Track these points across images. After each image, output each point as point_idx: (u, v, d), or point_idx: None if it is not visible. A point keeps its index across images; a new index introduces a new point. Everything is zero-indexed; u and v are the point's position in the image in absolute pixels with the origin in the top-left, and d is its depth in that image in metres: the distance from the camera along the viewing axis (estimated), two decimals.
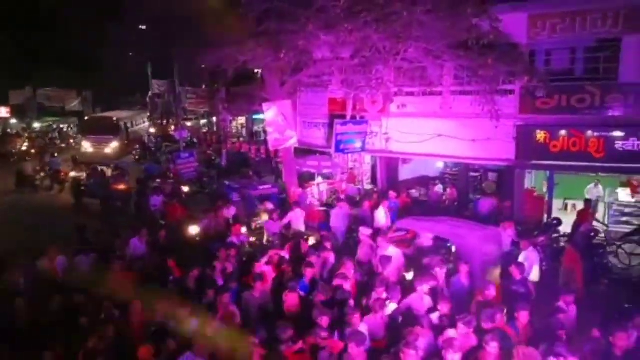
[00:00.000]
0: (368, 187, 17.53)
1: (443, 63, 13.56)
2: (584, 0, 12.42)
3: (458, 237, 9.07)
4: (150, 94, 39.09)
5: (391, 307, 7.14)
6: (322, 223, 12.77)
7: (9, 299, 7.28)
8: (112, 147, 27.78)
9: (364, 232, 9.96)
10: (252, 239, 9.88)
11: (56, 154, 23.21)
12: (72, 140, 34.02)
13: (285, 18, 12.16)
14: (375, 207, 12.65)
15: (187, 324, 6.25)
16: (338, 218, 12.17)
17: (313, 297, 7.25)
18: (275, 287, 7.84)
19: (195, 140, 30.85)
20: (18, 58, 36.79)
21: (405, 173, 17.72)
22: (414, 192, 16.42)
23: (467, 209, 14.34)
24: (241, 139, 32.32)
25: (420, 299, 7.23)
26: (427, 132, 14.95)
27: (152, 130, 35.42)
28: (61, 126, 39.11)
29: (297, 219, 11.92)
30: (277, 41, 12.76)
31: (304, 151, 17.98)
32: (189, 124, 35.70)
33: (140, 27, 28.99)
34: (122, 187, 17.09)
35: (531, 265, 8.78)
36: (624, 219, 14.04)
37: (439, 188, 16.05)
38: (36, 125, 38.43)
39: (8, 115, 37.28)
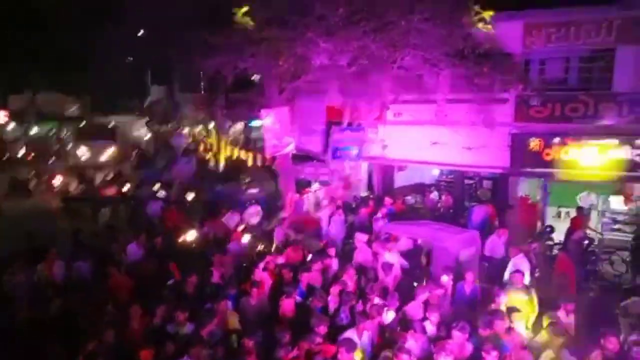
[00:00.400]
0: (364, 193, 17.63)
1: (439, 71, 13.72)
2: (578, 10, 12.60)
3: (437, 241, 9.36)
4: (148, 99, 39.15)
5: (389, 315, 7.20)
6: (318, 229, 12.89)
7: (8, 302, 7.34)
8: (109, 153, 27.68)
9: (361, 238, 10.07)
10: (261, 247, 10.02)
11: (53, 158, 23.24)
12: (70, 146, 33.99)
13: (285, 25, 12.31)
14: (373, 213, 12.79)
15: (185, 328, 6.35)
16: (336, 225, 12.29)
17: (309, 303, 7.34)
18: (273, 293, 7.91)
19: (192, 146, 30.90)
20: (16, 61, 36.75)
21: (401, 180, 17.84)
22: (410, 199, 16.54)
23: (463, 216, 14.45)
24: (238, 145, 32.39)
25: (418, 307, 7.30)
26: (422, 140, 15.08)
27: (149, 136, 35.43)
28: (60, 131, 39.05)
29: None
30: (277, 48, 12.91)
31: (301, 157, 18.09)
32: (186, 130, 35.72)
33: (139, 33, 29.07)
34: (111, 192, 17.26)
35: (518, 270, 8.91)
36: (617, 226, 14.17)
37: (434, 195, 16.17)
38: (35, 130, 38.36)
39: (7, 119, 37.21)
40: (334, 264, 9.10)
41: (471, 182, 16.76)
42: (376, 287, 7.77)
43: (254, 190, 16.48)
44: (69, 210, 16.97)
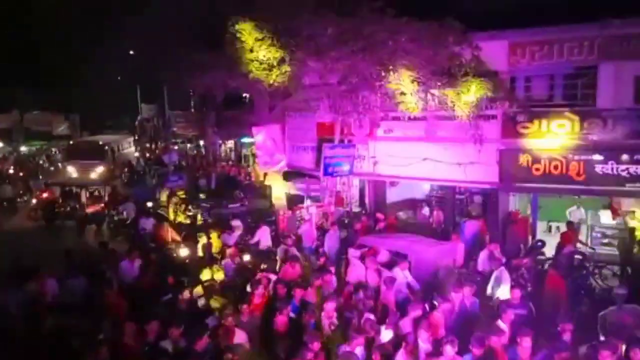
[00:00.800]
0: (356, 209, 17.73)
1: (427, 89, 13.98)
2: (561, 29, 12.90)
3: (415, 253, 9.57)
4: (139, 117, 39.21)
5: (387, 334, 7.21)
6: (312, 245, 12.95)
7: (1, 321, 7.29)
8: (98, 171, 27.35)
9: (354, 253, 10.13)
10: (264, 266, 10.11)
11: (41, 177, 23.13)
12: (59, 164, 33.86)
13: (274, 45, 12.50)
14: (367, 229, 12.89)
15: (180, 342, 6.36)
16: (332, 240, 12.39)
17: (302, 319, 7.35)
18: (267, 309, 7.91)
19: (184, 163, 30.93)
20: (3, 81, 36.71)
21: (392, 195, 17.96)
22: (402, 215, 16.65)
23: (455, 231, 14.55)
24: (230, 162, 32.46)
25: (409, 324, 7.28)
26: (413, 156, 15.27)
27: (137, 154, 35.36)
28: (48, 150, 38.93)
29: (265, 236, 12.63)
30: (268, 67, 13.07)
31: (293, 174, 18.19)
32: (175, 147, 35.78)
33: (130, 52, 29.28)
34: (96, 208, 17.38)
35: (500, 284, 9.12)
36: (606, 240, 14.38)
37: (425, 211, 16.30)
38: (23, 149, 38.21)
39: None
40: (333, 280, 9.12)
41: (462, 197, 16.92)
42: (367, 304, 7.81)
43: (234, 205, 16.92)
44: (54, 228, 16.96)
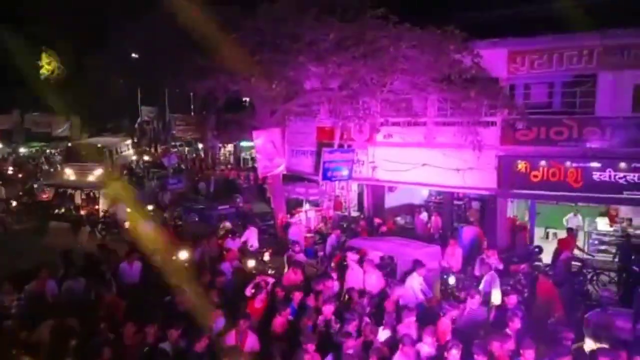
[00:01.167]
0: (354, 214, 17.80)
1: (427, 95, 14.11)
2: (560, 38, 13.01)
3: (402, 255, 9.90)
4: (139, 120, 39.22)
5: (383, 333, 7.26)
6: (309, 249, 13.05)
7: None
8: (96, 174, 27.18)
9: (352, 257, 10.18)
10: (271, 272, 10.16)
11: (41, 179, 23.13)
12: (58, 166, 33.82)
13: (277, 50, 12.61)
14: (367, 233, 12.99)
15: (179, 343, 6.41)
16: (333, 244, 12.57)
17: (300, 322, 7.39)
18: (267, 311, 7.96)
19: (183, 166, 30.97)
20: (3, 81, 36.68)
21: (391, 200, 18.04)
22: (400, 220, 16.72)
23: (453, 236, 14.61)
24: (229, 166, 32.53)
25: (408, 327, 7.32)
26: (412, 161, 15.35)
27: (135, 157, 35.29)
28: (48, 151, 38.90)
29: (252, 237, 12.80)
30: (270, 72, 13.19)
31: (292, 178, 18.28)
32: (174, 150, 35.80)
33: (132, 55, 29.25)
34: (90, 210, 17.56)
35: (490, 289, 9.22)
36: (603, 247, 14.47)
37: (423, 216, 16.38)
38: (22, 150, 38.18)
39: None
40: (335, 286, 9.17)
41: (460, 203, 17.00)
42: (358, 307, 7.87)
43: (223, 207, 17.21)
44: (49, 229, 17.04)
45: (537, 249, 13.01)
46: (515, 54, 13.65)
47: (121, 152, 32.22)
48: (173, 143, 36.99)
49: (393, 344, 6.87)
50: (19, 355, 6.03)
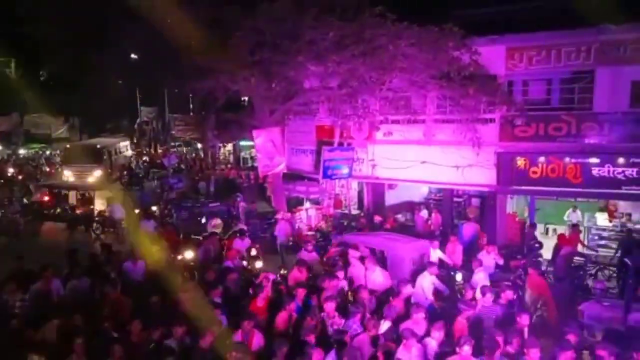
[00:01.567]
0: (355, 212, 17.87)
1: (426, 93, 14.18)
2: (558, 34, 13.09)
3: (391, 249, 10.44)
4: (138, 120, 39.26)
5: (385, 325, 7.34)
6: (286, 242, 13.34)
7: (4, 320, 7.37)
8: (95, 175, 27.10)
9: (353, 254, 10.27)
10: (284, 271, 10.25)
11: (41, 181, 23.12)
12: (58, 167, 33.82)
13: (276, 49, 12.67)
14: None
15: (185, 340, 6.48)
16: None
17: (304, 320, 7.45)
18: (271, 308, 8.02)
19: (183, 166, 31.02)
20: (4, 83, 36.67)
21: (391, 198, 18.11)
22: (400, 217, 16.79)
23: (453, 233, 14.68)
24: (229, 165, 32.57)
25: (415, 324, 7.36)
26: (411, 159, 15.43)
27: (134, 157, 35.30)
28: (47, 153, 38.92)
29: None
30: (269, 71, 13.25)
31: (292, 176, 18.35)
32: (173, 150, 35.85)
33: (132, 55, 29.35)
34: (85, 210, 17.76)
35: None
36: (603, 242, 14.56)
37: (423, 213, 16.44)
38: (22, 151, 38.19)
39: None
40: (340, 285, 9.16)
41: (460, 200, 17.08)
42: (359, 303, 7.93)
43: (214, 204, 17.59)
44: (39, 230, 17.17)
45: (537, 245, 13.08)
46: (513, 50, 13.73)
47: (120, 153, 32.24)
48: (172, 143, 37.07)
49: (395, 337, 6.97)
50: (25, 354, 6.08)
